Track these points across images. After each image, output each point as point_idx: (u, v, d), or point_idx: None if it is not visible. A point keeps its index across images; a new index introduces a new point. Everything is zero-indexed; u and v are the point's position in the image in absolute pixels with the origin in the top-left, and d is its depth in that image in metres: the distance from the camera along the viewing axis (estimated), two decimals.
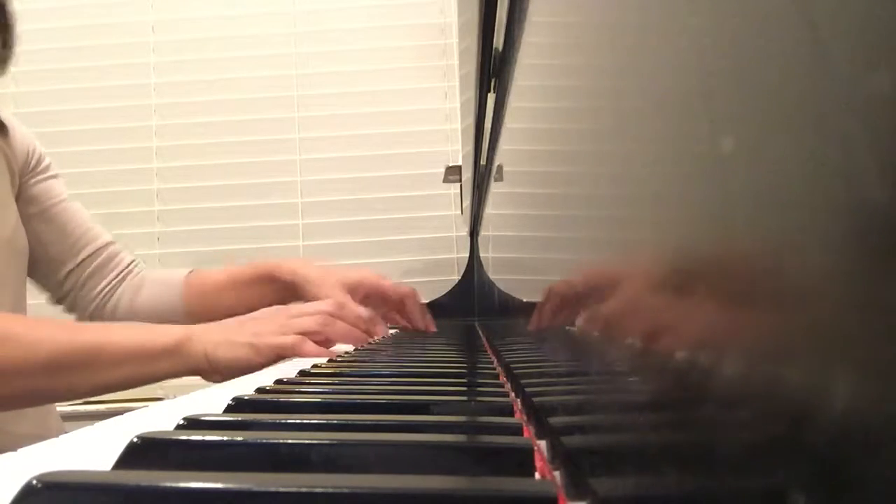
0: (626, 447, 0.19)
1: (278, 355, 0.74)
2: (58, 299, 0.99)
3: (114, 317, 0.99)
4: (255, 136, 1.70)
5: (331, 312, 0.79)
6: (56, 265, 0.97)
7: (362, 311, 0.85)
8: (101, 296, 0.99)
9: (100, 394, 0.73)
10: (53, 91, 1.69)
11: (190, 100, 1.71)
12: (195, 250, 1.68)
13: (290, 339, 0.74)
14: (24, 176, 0.94)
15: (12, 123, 0.93)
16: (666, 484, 0.16)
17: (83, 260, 0.98)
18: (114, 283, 1.00)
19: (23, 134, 0.95)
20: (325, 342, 0.77)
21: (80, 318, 0.99)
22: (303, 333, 0.75)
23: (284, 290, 0.96)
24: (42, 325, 0.69)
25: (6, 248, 0.85)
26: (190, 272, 1.02)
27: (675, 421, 0.16)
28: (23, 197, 0.94)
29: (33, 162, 0.95)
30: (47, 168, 0.97)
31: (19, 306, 0.89)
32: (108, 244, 1.01)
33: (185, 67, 1.72)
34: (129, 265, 1.02)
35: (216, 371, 0.73)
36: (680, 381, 0.15)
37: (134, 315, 0.98)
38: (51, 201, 0.96)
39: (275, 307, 0.83)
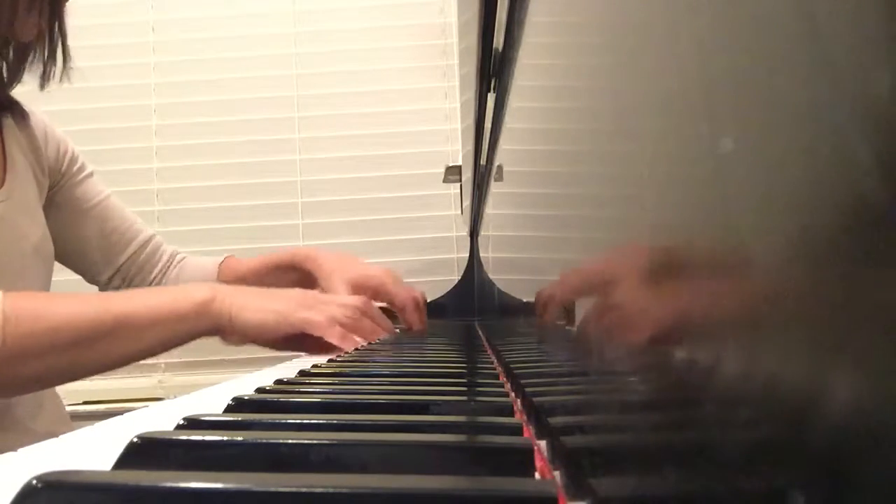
0: (626, 447, 0.19)
1: (303, 331, 0.74)
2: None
3: None
4: (255, 136, 1.70)
5: (361, 308, 0.79)
6: (104, 262, 0.98)
7: (383, 320, 0.85)
8: (152, 285, 1.01)
9: (130, 362, 0.73)
10: (53, 91, 1.69)
11: (190, 100, 1.71)
12: (195, 250, 1.67)
13: (322, 318, 0.75)
14: (60, 180, 0.95)
15: (45, 128, 0.94)
16: (666, 484, 0.16)
17: (131, 255, 1.00)
18: (158, 275, 1.02)
19: (57, 140, 0.96)
20: (348, 336, 0.77)
21: None
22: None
23: (305, 278, 0.98)
24: (68, 299, 0.69)
25: (34, 255, 0.86)
26: (224, 259, 1.05)
27: (674, 421, 0.16)
28: (62, 199, 0.95)
29: (66, 164, 0.96)
30: (83, 168, 0.99)
31: None
32: (152, 237, 1.03)
33: (185, 67, 1.72)
34: (171, 256, 1.04)
35: (236, 332, 0.73)
36: (679, 381, 0.15)
37: None
38: (94, 200, 0.98)
39: (299, 290, 0.82)
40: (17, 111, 0.89)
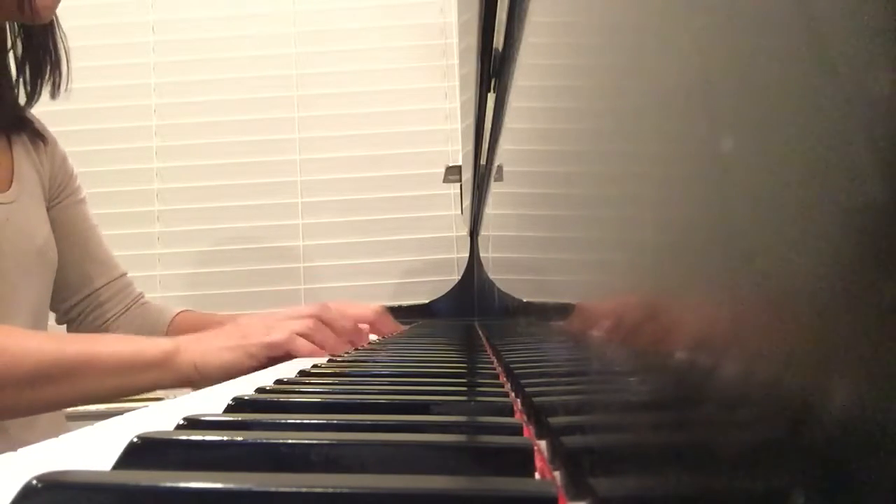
0: (626, 447, 0.19)
1: (268, 355, 0.73)
2: (63, 321, 1.00)
3: None
4: (255, 136, 1.70)
5: (318, 315, 0.77)
6: (72, 289, 0.97)
7: (345, 325, 0.82)
8: (105, 325, 0.99)
9: (87, 404, 0.73)
10: None
11: (190, 100, 1.71)
12: (195, 250, 1.68)
13: (281, 336, 0.73)
14: (58, 195, 0.95)
15: (53, 140, 0.95)
16: (666, 484, 0.16)
17: (101, 287, 0.99)
18: (119, 313, 1.00)
19: (62, 155, 0.97)
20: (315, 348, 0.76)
21: None
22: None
23: None
24: (30, 336, 0.69)
25: (37, 258, 0.86)
26: (179, 312, 1.02)
27: (675, 421, 0.16)
28: (53, 216, 0.94)
29: (67, 181, 0.97)
30: (80, 191, 0.99)
31: (41, 315, 0.89)
32: (123, 275, 1.02)
33: (185, 67, 1.72)
34: (136, 297, 1.03)
35: (206, 379, 0.71)
36: (680, 381, 0.15)
37: None
38: (82, 225, 0.98)
39: (264, 312, 0.81)
40: (31, 130, 0.91)
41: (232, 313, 1.05)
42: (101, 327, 0.99)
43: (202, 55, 1.72)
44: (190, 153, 1.70)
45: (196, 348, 0.72)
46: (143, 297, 1.04)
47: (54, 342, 0.69)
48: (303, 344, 0.74)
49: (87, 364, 0.68)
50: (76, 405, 0.72)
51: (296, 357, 0.73)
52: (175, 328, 1.00)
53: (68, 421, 0.96)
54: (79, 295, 0.98)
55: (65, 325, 1.00)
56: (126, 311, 1.01)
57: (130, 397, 0.79)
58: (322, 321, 0.77)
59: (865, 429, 0.08)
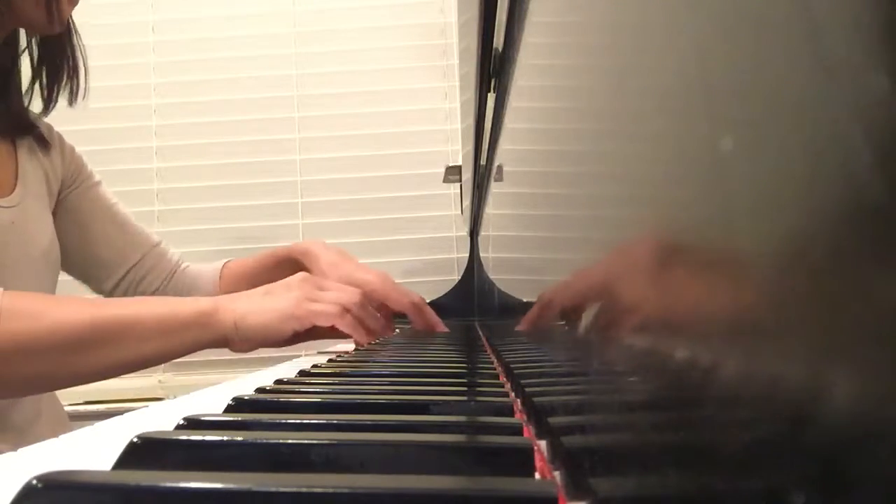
0: (626, 447, 0.19)
1: (314, 322, 0.73)
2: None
3: None
4: (255, 136, 1.70)
5: (359, 302, 0.77)
6: (111, 268, 0.98)
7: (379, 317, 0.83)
8: (157, 293, 1.01)
9: (129, 370, 0.71)
10: None
11: (190, 100, 1.71)
12: (195, 250, 1.68)
13: (330, 308, 0.73)
14: (71, 184, 0.96)
15: (58, 136, 0.96)
16: (666, 484, 0.16)
17: (138, 261, 1.00)
18: (164, 281, 1.02)
19: (68, 147, 0.97)
20: (358, 326, 0.75)
21: None
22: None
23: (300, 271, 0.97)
24: (68, 301, 0.69)
25: (42, 260, 0.87)
26: (225, 263, 1.04)
27: (675, 421, 0.16)
28: (71, 205, 0.95)
29: (77, 170, 0.97)
30: (92, 175, 0.99)
31: None
32: (158, 243, 1.03)
33: (185, 67, 1.72)
34: (176, 262, 1.04)
35: (245, 339, 0.72)
36: (680, 381, 0.15)
37: None
38: (104, 206, 0.99)
39: (300, 275, 0.79)
40: (37, 135, 0.91)
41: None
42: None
43: (202, 55, 1.72)
44: (190, 153, 1.70)
45: (236, 308, 0.72)
46: (182, 259, 1.05)
47: (92, 307, 0.69)
48: (349, 321, 0.74)
49: (127, 326, 0.68)
50: (121, 372, 0.70)
51: (337, 334, 0.72)
52: (227, 280, 1.01)
53: (72, 421, 0.96)
54: (119, 272, 0.99)
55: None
56: (169, 278, 1.02)
57: (133, 397, 0.79)
58: (363, 305, 0.77)
59: (865, 429, 0.08)
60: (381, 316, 0.82)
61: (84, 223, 0.96)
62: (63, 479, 0.19)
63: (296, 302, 0.73)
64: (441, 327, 0.98)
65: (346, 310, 0.75)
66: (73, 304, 0.68)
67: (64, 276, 0.98)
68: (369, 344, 0.80)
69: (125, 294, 0.99)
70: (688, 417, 0.15)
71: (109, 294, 1.00)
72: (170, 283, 1.02)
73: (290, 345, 0.79)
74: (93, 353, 0.67)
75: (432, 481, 0.20)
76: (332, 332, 0.76)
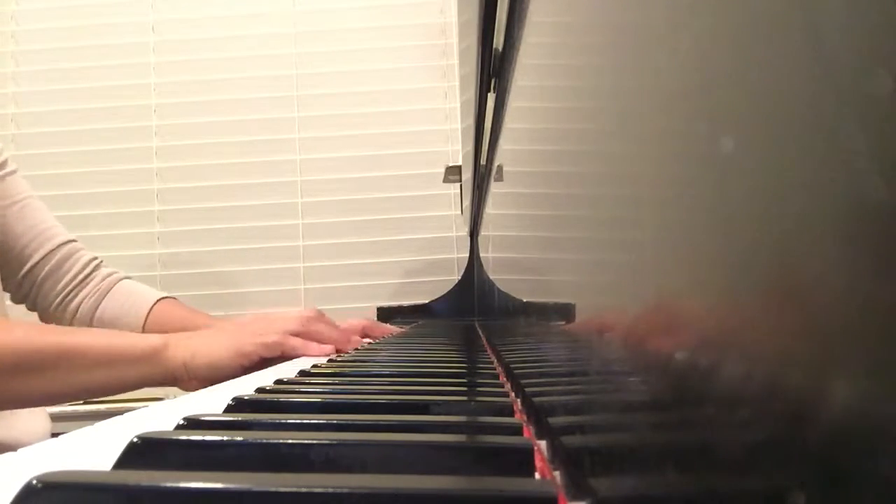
0: (626, 447, 0.19)
1: (262, 355, 0.72)
2: (19, 299, 0.97)
3: (76, 320, 0.95)
4: (255, 136, 1.70)
5: (310, 318, 0.76)
6: (15, 265, 0.94)
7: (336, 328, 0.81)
8: (61, 296, 0.96)
9: (72, 399, 0.70)
10: (53, 91, 1.69)
11: (190, 100, 1.71)
12: (195, 250, 1.68)
13: (275, 337, 0.72)
14: None
15: None
16: (666, 484, 0.16)
17: (41, 259, 0.94)
18: (74, 283, 0.96)
19: None
20: (308, 343, 0.74)
21: (43, 319, 0.97)
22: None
23: None
24: (14, 326, 0.68)
25: None
26: (161, 299, 0.97)
27: (675, 421, 0.16)
28: None
29: None
30: (5, 164, 0.94)
31: None
32: (65, 242, 0.97)
33: (185, 67, 1.72)
34: (88, 263, 0.98)
35: (195, 377, 0.70)
36: (680, 381, 0.15)
37: (100, 324, 0.95)
38: (13, 198, 0.93)
39: (252, 315, 0.79)
40: None
41: (231, 313, 1.03)
42: (57, 300, 0.95)
43: (202, 55, 1.72)
44: (190, 153, 1.70)
45: (187, 345, 0.71)
46: (99, 263, 0.99)
47: (38, 332, 0.68)
48: (297, 342, 0.72)
49: (72, 353, 0.66)
50: (64, 400, 0.70)
51: (291, 357, 0.72)
52: (154, 320, 0.95)
53: (64, 421, 0.95)
54: (23, 268, 0.94)
55: (36, 315, 0.97)
56: (82, 280, 0.96)
57: (126, 396, 0.79)
58: (315, 321, 0.76)
59: (865, 429, 0.08)
60: (332, 330, 0.79)
61: None
62: (63, 479, 0.19)
63: (244, 338, 0.72)
64: (395, 328, 1.01)
65: (292, 333, 0.73)
66: (22, 329, 0.67)
67: None
68: (369, 344, 0.80)
69: (31, 291, 0.95)
70: (688, 417, 0.15)
71: (16, 292, 0.95)
72: (83, 287, 0.96)
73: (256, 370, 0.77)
74: (37, 379, 0.65)
75: (432, 481, 0.20)
76: (290, 356, 0.75)
